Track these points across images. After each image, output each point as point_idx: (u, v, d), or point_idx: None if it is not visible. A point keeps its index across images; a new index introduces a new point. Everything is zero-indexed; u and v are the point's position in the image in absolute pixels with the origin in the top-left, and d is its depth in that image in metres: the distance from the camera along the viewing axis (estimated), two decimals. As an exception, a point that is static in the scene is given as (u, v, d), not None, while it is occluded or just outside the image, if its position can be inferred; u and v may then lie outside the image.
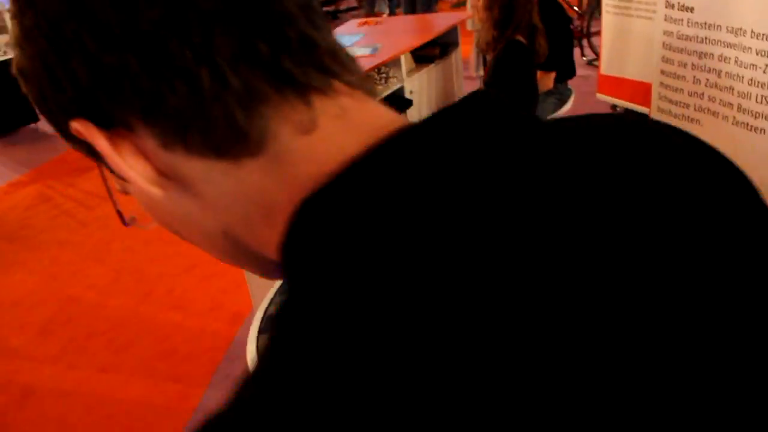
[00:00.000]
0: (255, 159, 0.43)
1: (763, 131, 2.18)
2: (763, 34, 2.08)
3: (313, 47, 0.45)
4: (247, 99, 0.42)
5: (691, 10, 2.33)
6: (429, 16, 4.12)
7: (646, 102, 4.15)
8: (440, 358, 0.34)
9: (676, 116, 2.50)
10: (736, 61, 2.20)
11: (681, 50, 2.41)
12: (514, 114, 0.45)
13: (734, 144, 2.28)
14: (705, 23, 2.30)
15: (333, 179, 0.41)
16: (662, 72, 2.51)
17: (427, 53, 3.62)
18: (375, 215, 0.39)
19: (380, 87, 3.23)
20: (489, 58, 2.80)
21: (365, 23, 4.08)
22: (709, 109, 2.37)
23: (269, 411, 0.35)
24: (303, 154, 0.43)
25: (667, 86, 2.50)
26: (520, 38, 2.68)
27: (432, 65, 3.69)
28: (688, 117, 2.45)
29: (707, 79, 2.33)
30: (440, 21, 3.86)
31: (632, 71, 3.86)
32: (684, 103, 2.46)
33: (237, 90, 0.41)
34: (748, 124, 2.22)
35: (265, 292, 3.00)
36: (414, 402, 0.33)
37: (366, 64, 3.01)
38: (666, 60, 2.48)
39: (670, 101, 2.51)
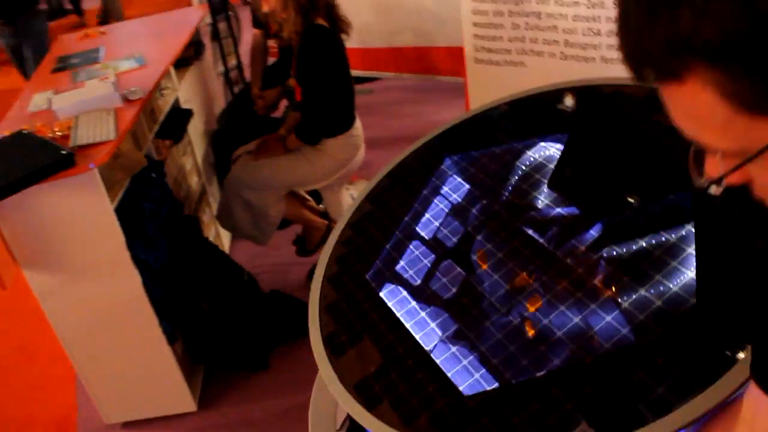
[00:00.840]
0: None
1: (593, 59, 2.36)
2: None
3: None
4: None
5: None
6: (165, 15, 3.61)
7: (392, 67, 4.27)
8: None
9: (497, 63, 2.58)
10: (555, 1, 2.34)
11: (494, 0, 2.47)
12: None
13: (566, 76, 2.44)
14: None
15: None
16: (475, 24, 2.55)
17: (184, 55, 3.17)
18: None
19: (160, 102, 2.74)
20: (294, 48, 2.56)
21: (86, 36, 3.42)
22: (532, 50, 2.49)
23: None
24: None
25: (482, 37, 2.56)
26: (321, 22, 2.48)
27: (191, 67, 3.26)
28: (511, 61, 2.55)
29: (527, 23, 2.44)
30: (184, 19, 3.40)
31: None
32: (505, 49, 2.54)
33: None
34: (578, 56, 2.39)
35: (101, 387, 2.38)
36: None
37: (143, 79, 2.51)
38: (477, 12, 2.53)
39: (489, 50, 2.57)
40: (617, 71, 2.09)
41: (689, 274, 1.02)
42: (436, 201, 1.39)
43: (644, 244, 1.11)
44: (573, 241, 1.17)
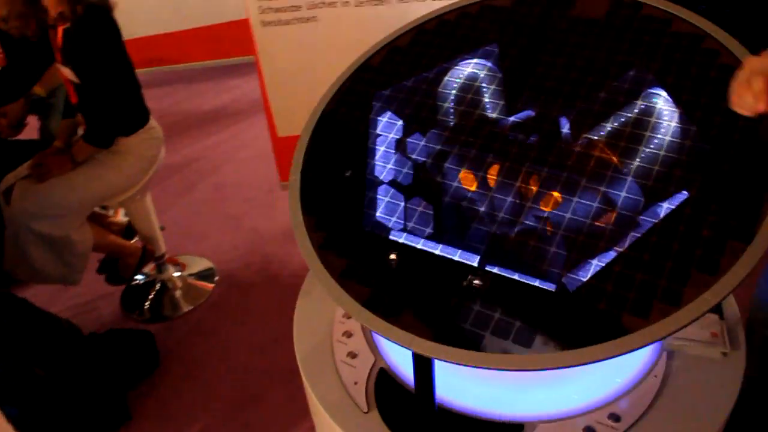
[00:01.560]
0: None
1: (389, 1, 2.39)
2: None
3: None
4: None
5: None
6: None
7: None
8: None
9: (287, 22, 2.46)
10: (340, -54, 2.30)
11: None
12: None
13: (363, 24, 2.43)
14: None
15: None
16: (257, -15, 2.39)
17: None
18: None
19: None
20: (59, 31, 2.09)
21: None
22: (324, 3, 2.42)
23: None
24: None
25: (267, -3, 2.41)
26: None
27: None
28: (302, 18, 2.46)
29: (313, -25, 2.37)
30: None
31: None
32: (293, 6, 2.43)
33: None
34: (373, 0, 2.39)
35: None
36: None
37: None
38: (258, -29, 2.37)
39: (277, 10, 2.44)
40: (416, 10, 2.16)
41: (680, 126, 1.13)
42: (394, 137, 1.30)
43: (628, 115, 1.18)
44: (554, 138, 1.20)
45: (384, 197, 1.22)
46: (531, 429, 1.17)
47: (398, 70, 1.40)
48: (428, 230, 1.15)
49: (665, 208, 1.05)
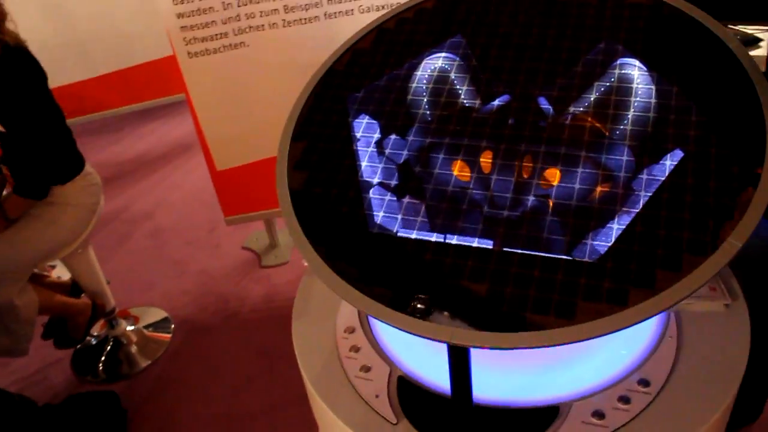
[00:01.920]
0: None
1: (317, 18, 2.36)
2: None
3: None
4: None
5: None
6: None
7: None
8: None
9: (216, 51, 2.39)
10: (264, -33, 2.25)
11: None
12: None
13: (293, 45, 2.38)
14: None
15: None
16: (180, 15, 2.31)
17: None
18: None
19: None
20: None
21: None
22: (251, 27, 2.37)
23: None
24: None
25: (192, 27, 2.33)
26: (9, 40, 1.94)
27: None
28: (230, 44, 2.39)
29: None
30: None
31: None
32: (220, 34, 2.37)
33: None
34: (301, 19, 2.36)
35: None
36: None
37: None
38: (180, 2, 2.29)
39: (203, 39, 2.37)
40: (343, 26, 2.16)
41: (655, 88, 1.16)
42: (378, 137, 1.26)
43: (602, 87, 1.20)
44: (542, 115, 1.20)
45: (382, 197, 1.18)
46: (566, 409, 1.14)
47: (367, 72, 1.37)
48: (437, 223, 1.11)
49: (668, 165, 1.07)
